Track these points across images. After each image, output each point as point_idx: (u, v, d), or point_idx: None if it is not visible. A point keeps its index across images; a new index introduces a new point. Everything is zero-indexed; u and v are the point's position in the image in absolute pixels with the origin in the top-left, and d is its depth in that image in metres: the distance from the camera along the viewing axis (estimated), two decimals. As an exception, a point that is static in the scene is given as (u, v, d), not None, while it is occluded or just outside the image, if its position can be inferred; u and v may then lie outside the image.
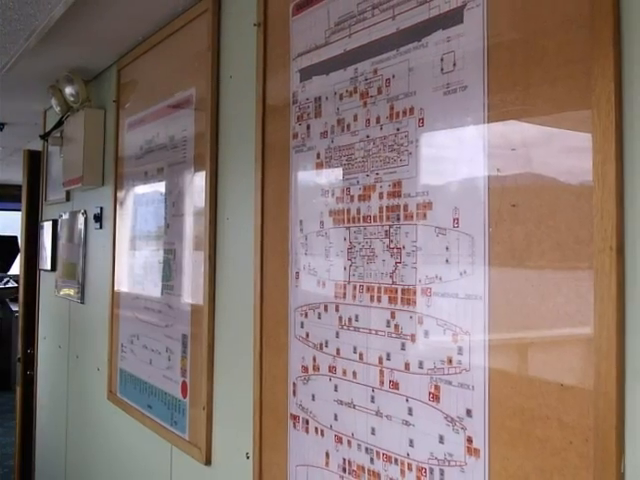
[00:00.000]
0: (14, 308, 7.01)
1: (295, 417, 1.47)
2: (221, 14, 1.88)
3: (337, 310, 1.35)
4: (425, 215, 1.14)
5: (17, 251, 7.12)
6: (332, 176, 1.38)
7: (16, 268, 7.61)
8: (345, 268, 1.32)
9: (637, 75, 0.85)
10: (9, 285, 8.02)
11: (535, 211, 0.96)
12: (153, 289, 2.24)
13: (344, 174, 1.34)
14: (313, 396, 1.41)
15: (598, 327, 0.87)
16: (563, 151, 0.93)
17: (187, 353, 2.00)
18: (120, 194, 2.58)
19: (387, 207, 1.23)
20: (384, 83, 1.24)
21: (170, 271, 2.12)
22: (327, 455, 1.36)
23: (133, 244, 2.44)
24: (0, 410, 6.65)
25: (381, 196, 1.24)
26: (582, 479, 0.89)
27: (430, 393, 1.12)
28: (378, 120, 1.25)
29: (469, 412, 1.05)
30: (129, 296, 2.46)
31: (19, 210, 4.25)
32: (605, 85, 0.86)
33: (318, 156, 1.42)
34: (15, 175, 5.27)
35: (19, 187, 4.21)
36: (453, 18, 1.09)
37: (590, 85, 0.88)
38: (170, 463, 2.10)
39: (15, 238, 7.90)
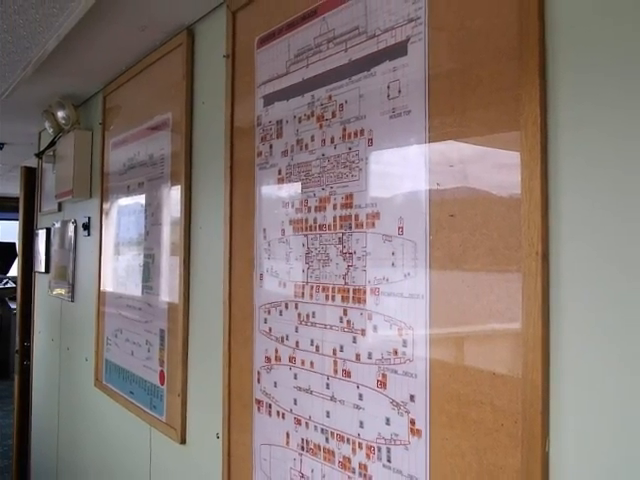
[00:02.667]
0: (12, 306, 6.87)
1: (259, 402, 1.42)
2: (194, 47, 1.83)
3: (296, 308, 1.30)
4: (374, 224, 1.10)
5: (15, 255, 6.94)
6: (292, 190, 1.33)
7: (14, 270, 7.42)
8: (303, 270, 1.28)
9: (560, 100, 0.82)
10: (8, 285, 7.79)
11: (470, 220, 0.93)
12: (134, 289, 2.17)
13: (302, 188, 1.30)
14: (275, 383, 1.36)
15: (525, 323, 0.84)
16: (495, 167, 0.90)
17: (164, 346, 1.93)
18: (106, 205, 2.50)
19: (340, 217, 1.18)
20: (338, 108, 1.20)
21: (149, 273, 2.05)
22: (287, 435, 1.32)
23: (117, 249, 2.36)
24: (0, 396, 6.46)
25: (335, 207, 1.20)
26: (512, 457, 0.86)
27: (378, 381, 1.08)
28: (332, 140, 1.21)
29: (412, 397, 1.02)
30: (113, 295, 2.38)
31: (17, 219, 4.13)
32: (532, 109, 0.84)
33: (280, 172, 1.38)
34: (13, 189, 5.12)
35: (17, 199, 4.09)
36: (398, 50, 1.06)
37: (519, 109, 0.86)
38: (149, 442, 2.03)
39: (13, 244, 7.68)
